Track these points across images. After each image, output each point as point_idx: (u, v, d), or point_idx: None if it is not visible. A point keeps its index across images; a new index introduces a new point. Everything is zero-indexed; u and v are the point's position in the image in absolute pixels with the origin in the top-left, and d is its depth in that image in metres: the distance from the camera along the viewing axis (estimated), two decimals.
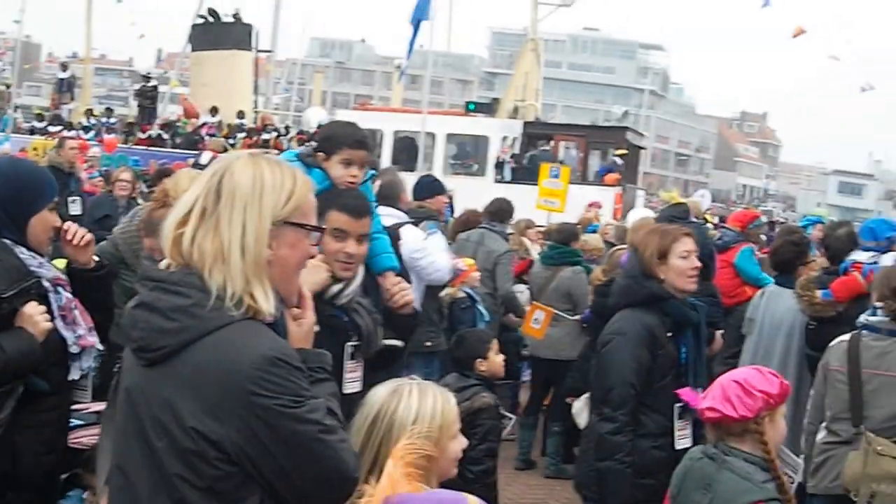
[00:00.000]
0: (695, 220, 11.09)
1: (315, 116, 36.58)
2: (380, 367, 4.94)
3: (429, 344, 9.06)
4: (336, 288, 4.82)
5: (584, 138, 33.03)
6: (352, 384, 4.78)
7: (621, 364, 5.88)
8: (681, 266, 6.06)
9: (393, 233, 6.62)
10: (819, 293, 8.58)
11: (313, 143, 5.83)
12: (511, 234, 12.99)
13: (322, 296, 4.60)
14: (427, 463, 3.37)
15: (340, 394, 3.44)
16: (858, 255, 8.98)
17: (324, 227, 3.67)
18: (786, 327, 9.03)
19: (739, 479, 4.23)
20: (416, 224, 8.76)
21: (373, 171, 6.09)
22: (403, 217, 8.55)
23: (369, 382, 4.23)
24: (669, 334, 6.02)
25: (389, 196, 8.46)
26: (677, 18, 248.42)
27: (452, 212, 14.66)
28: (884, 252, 8.98)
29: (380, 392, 3.60)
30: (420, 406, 3.52)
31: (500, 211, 12.19)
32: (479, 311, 10.00)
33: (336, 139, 5.50)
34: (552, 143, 32.42)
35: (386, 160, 29.55)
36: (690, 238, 6.20)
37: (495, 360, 6.94)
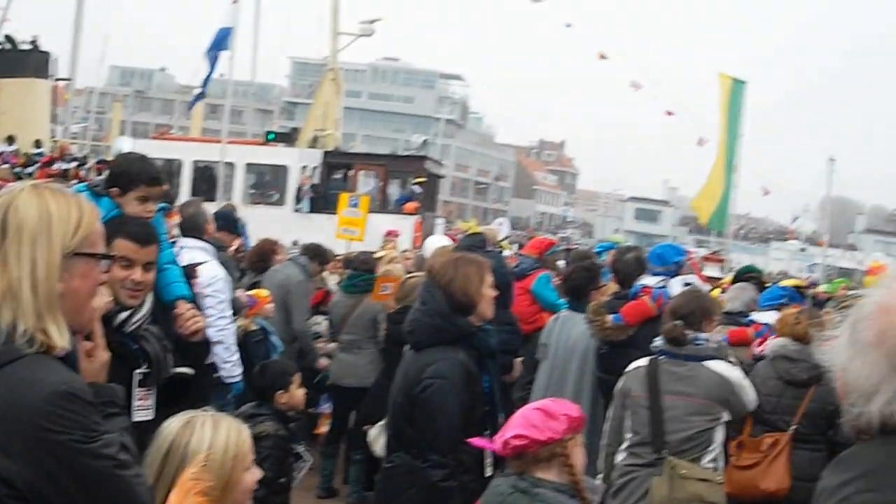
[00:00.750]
0: (490, 248, 11.18)
1: (124, 146, 35.88)
2: (173, 398, 4.85)
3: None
4: (124, 315, 4.76)
5: (383, 167, 33.20)
6: (142, 412, 4.70)
7: (446, 409, 5.76)
8: (490, 295, 6.08)
9: (190, 269, 6.51)
10: (610, 317, 8.71)
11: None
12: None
13: (110, 323, 4.50)
14: (220, 494, 3.35)
15: (131, 422, 3.38)
16: (648, 280, 9.20)
17: (113, 254, 3.59)
18: (579, 352, 9.19)
19: None
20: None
21: (164, 205, 6.01)
22: (209, 248, 8.46)
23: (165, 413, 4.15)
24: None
25: (195, 228, 8.36)
26: (477, 48, 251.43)
27: (248, 240, 14.50)
28: (672, 276, 9.24)
29: (173, 424, 3.56)
30: (213, 437, 3.49)
31: (317, 254, 12.25)
32: (272, 343, 9.89)
33: (131, 176, 5.43)
34: (352, 172, 32.48)
35: (185, 190, 29.21)
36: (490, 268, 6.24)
37: (296, 394, 6.86)
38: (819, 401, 7.61)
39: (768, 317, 9.71)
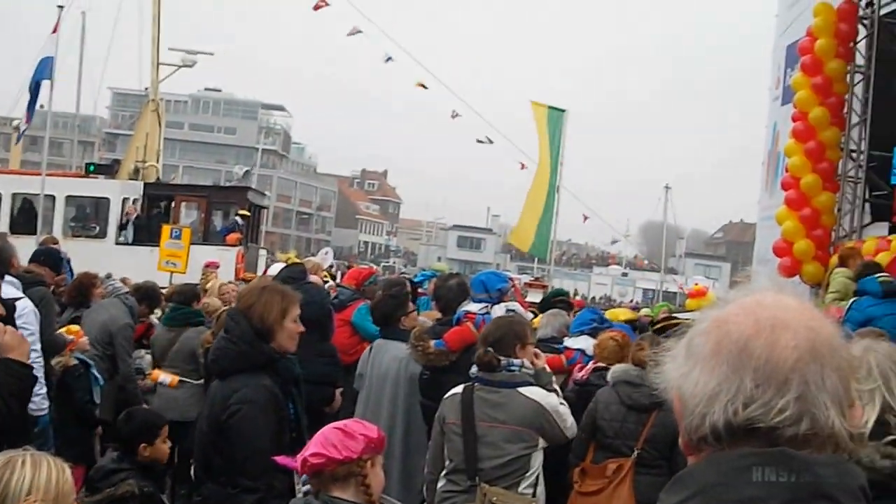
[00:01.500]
0: (311, 280, 11.19)
1: None
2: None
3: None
4: None
5: (205, 199, 32.81)
6: None
7: (254, 433, 5.74)
8: (292, 328, 6.09)
9: (11, 304, 6.43)
10: (433, 343, 8.72)
11: None
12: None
13: None
14: None
15: None
16: (471, 306, 9.33)
17: None
18: (391, 378, 9.21)
19: None
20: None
21: None
22: (16, 282, 8.33)
23: None
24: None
25: (0, 263, 8.22)
26: (298, 79, 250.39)
27: (72, 274, 14.24)
28: (495, 303, 9.39)
29: None
30: (34, 477, 3.44)
31: (146, 297, 12.15)
32: (94, 376, 9.74)
33: None
34: (174, 203, 32.09)
35: (4, 222, 28.51)
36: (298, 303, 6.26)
37: (161, 448, 6.69)
38: (661, 425, 7.74)
39: (581, 342, 9.93)
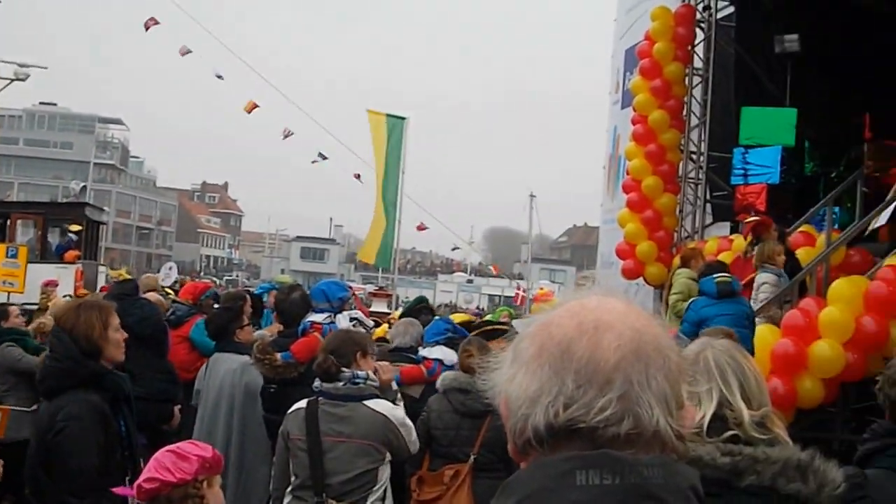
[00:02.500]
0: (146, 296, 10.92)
1: None
2: None
3: None
4: None
5: (42, 216, 31.91)
6: None
7: (81, 450, 5.65)
8: (117, 338, 6.09)
9: None
10: (279, 356, 8.63)
11: None
12: None
13: None
14: None
15: None
16: (315, 317, 9.22)
17: None
18: (227, 391, 9.21)
19: None
20: None
21: None
22: None
23: None
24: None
25: None
26: (136, 91, 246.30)
27: None
28: (337, 312, 9.32)
29: None
30: None
31: None
32: None
33: None
34: (9, 221, 31.13)
35: None
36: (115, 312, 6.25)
37: None
38: (496, 429, 7.74)
39: (437, 352, 9.89)
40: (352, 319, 9.21)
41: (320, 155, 40.22)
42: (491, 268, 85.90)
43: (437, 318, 11.60)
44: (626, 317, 1.93)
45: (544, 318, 1.98)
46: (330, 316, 9.23)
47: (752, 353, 7.83)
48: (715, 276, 10.93)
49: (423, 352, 9.98)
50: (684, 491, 1.84)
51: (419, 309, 12.06)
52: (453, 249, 79.29)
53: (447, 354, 9.70)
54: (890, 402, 4.26)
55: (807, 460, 3.14)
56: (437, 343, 10.03)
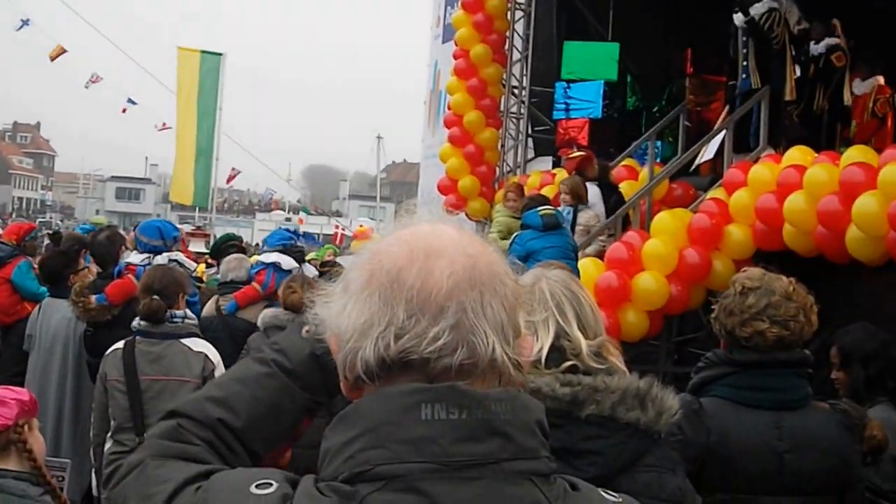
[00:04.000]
0: None
1: None
2: None
3: None
4: None
5: None
6: None
7: None
8: None
9: None
10: (94, 298, 8.53)
11: None
12: None
13: None
14: None
15: None
16: (132, 258, 9.22)
17: None
18: (62, 337, 9.03)
19: (17, 498, 4.01)
20: None
21: None
22: None
23: None
24: None
25: None
26: None
27: None
28: (158, 253, 9.25)
29: None
30: None
31: None
32: None
33: None
34: None
35: None
36: None
37: None
38: None
39: (274, 256, 10.00)
40: (171, 261, 9.08)
41: (130, 100, 39.29)
42: (310, 207, 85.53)
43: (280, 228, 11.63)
44: (458, 243, 1.86)
45: (375, 246, 1.89)
46: (148, 257, 9.16)
47: None
48: (539, 208, 10.92)
49: (259, 257, 10.15)
50: (531, 426, 1.81)
51: (227, 247, 11.84)
52: (267, 191, 78.69)
53: (284, 259, 9.77)
54: (725, 332, 4.28)
55: (645, 388, 3.16)
56: (276, 249, 10.15)
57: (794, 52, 13.37)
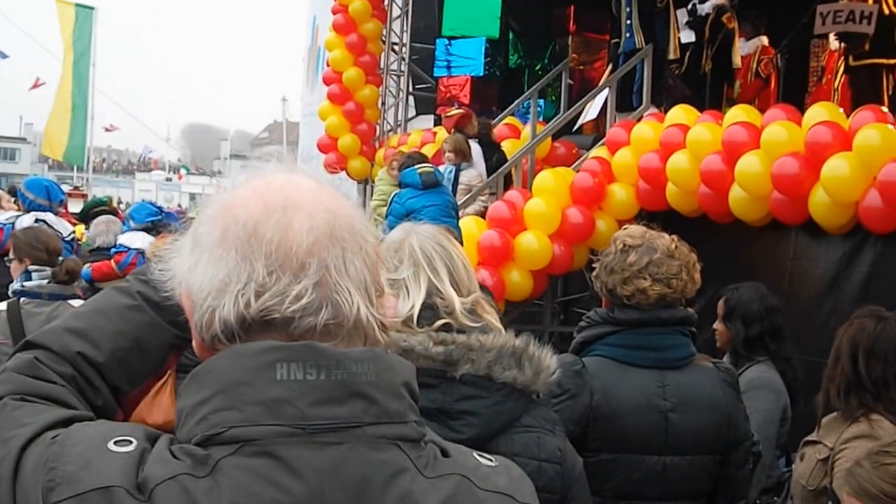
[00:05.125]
0: None
1: None
2: None
3: None
4: None
5: None
6: None
7: None
8: None
9: None
10: None
11: None
12: None
13: None
14: None
15: None
16: None
17: None
18: None
19: None
20: None
21: None
22: None
23: None
24: None
25: None
26: None
27: None
28: (49, 211, 9.35)
29: None
30: None
31: None
32: None
33: None
34: None
35: None
36: None
37: None
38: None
39: (139, 239, 9.70)
40: (37, 221, 8.95)
41: (1, 53, 38.14)
42: (190, 166, 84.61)
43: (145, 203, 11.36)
44: (316, 196, 1.77)
45: (226, 198, 1.76)
46: (14, 216, 9.09)
47: (462, 244, 7.80)
48: (417, 166, 10.77)
49: (121, 238, 9.80)
50: (397, 388, 1.72)
51: (95, 213, 11.50)
52: (145, 149, 77.70)
53: (147, 243, 9.45)
54: (607, 290, 4.19)
55: (521, 347, 3.09)
56: (142, 227, 9.87)
57: (682, 14, 13.34)
